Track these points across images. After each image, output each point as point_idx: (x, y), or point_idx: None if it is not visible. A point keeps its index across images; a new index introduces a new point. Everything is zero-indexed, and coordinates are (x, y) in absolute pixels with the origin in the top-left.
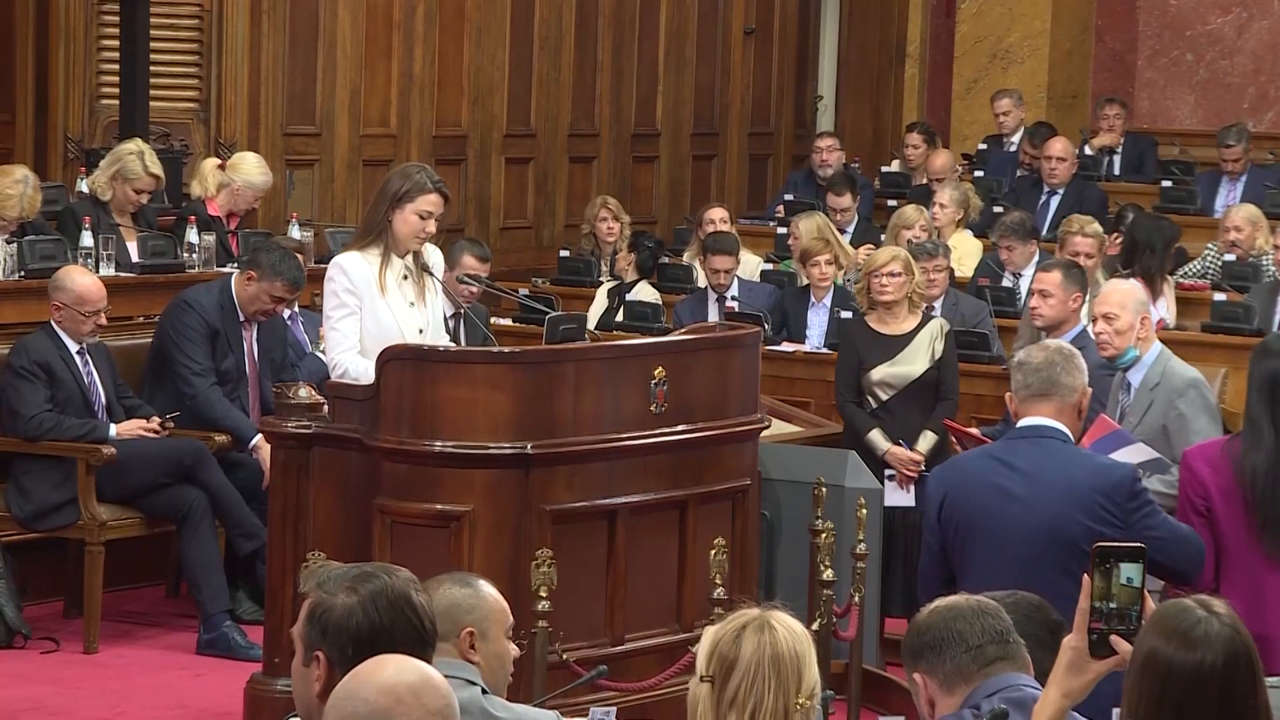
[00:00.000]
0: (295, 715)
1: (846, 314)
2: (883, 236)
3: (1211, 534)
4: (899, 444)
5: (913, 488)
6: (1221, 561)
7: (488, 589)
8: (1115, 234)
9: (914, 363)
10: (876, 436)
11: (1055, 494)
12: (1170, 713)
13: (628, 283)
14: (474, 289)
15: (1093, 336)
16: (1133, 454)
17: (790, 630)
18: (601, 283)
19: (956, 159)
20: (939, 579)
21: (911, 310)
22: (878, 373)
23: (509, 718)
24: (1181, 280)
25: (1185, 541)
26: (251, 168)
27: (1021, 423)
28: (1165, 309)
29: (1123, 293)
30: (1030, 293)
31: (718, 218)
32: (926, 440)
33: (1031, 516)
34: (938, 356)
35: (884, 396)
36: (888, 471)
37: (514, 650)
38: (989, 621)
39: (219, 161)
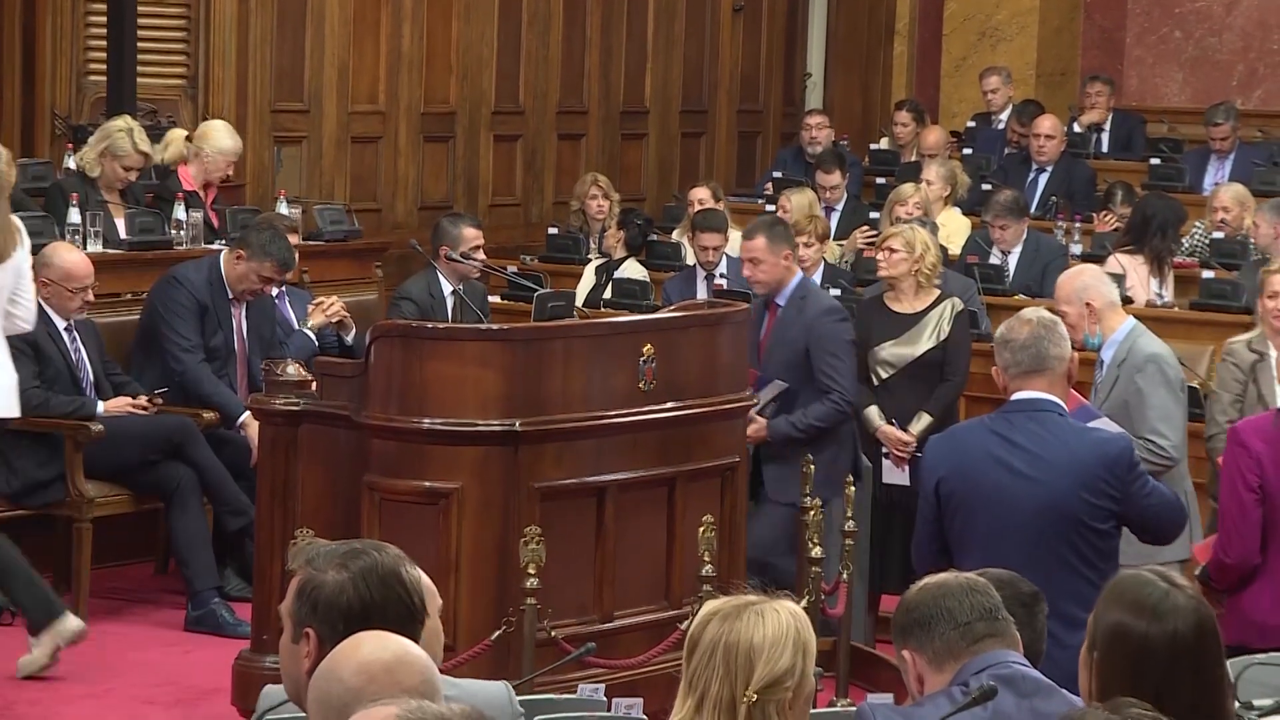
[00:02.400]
0: (272, 686)
1: (835, 291)
2: (872, 214)
3: (1263, 510)
4: (892, 423)
5: (908, 467)
6: (1271, 537)
7: (418, 569)
8: (1105, 211)
9: (917, 343)
10: (872, 414)
11: (1059, 470)
12: (1148, 688)
13: (616, 260)
14: (477, 268)
15: (815, 283)
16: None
17: (761, 620)
18: (590, 260)
19: (946, 136)
20: (933, 551)
21: (922, 290)
22: (882, 350)
23: (455, 694)
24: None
25: (1174, 508)
26: (220, 134)
27: (1016, 396)
28: (1167, 289)
29: (1064, 288)
30: (743, 260)
31: (699, 198)
32: (921, 422)
33: (1036, 493)
34: (944, 337)
35: (885, 375)
36: (885, 449)
37: (438, 629)
38: (978, 599)
39: (186, 132)
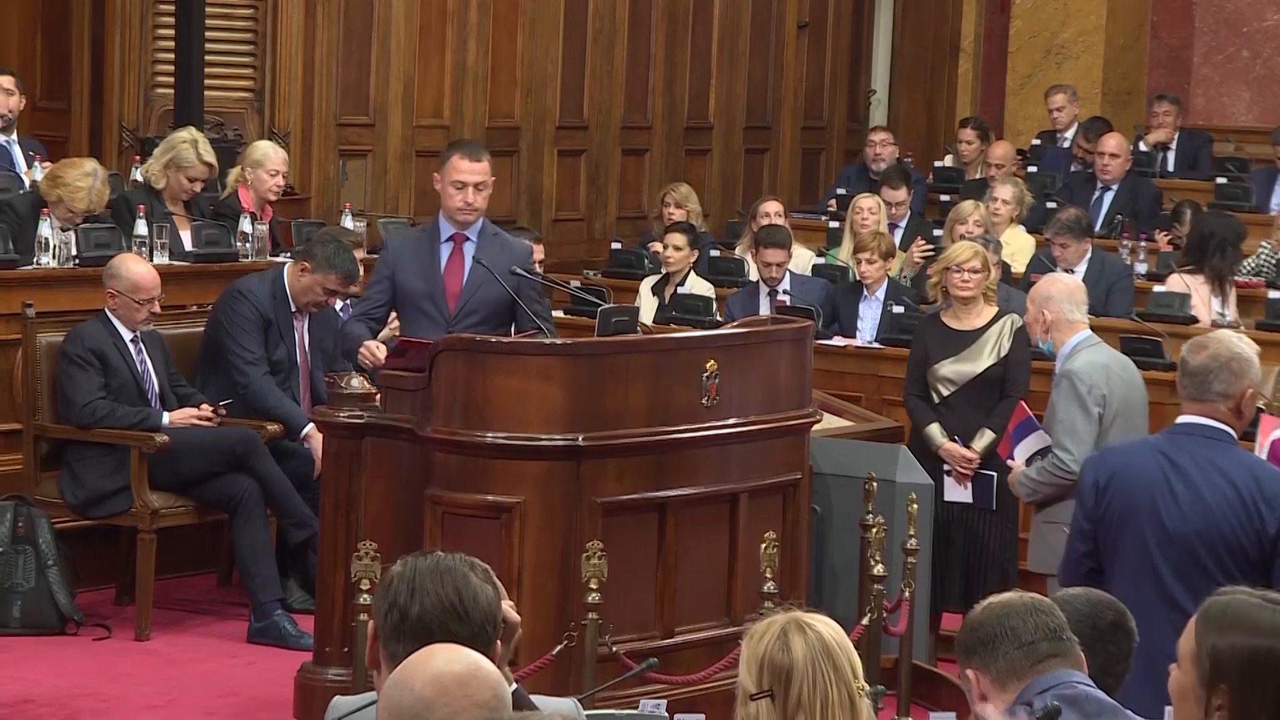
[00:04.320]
0: (341, 697)
1: (899, 308)
2: (936, 232)
3: None
4: (954, 440)
5: (970, 484)
6: None
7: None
8: (1166, 232)
9: (978, 359)
10: (934, 431)
11: (1216, 496)
12: None
13: (667, 274)
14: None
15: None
16: (1035, 441)
17: (825, 622)
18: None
19: (1014, 150)
20: (1085, 567)
21: (986, 305)
22: (943, 368)
23: None
24: (1236, 278)
25: None
26: (255, 149)
27: (1183, 419)
28: (1229, 308)
29: (1034, 290)
30: (462, 185)
31: (773, 210)
32: (983, 439)
33: (1191, 516)
34: (1004, 353)
35: (945, 392)
36: (946, 466)
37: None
38: (1042, 619)
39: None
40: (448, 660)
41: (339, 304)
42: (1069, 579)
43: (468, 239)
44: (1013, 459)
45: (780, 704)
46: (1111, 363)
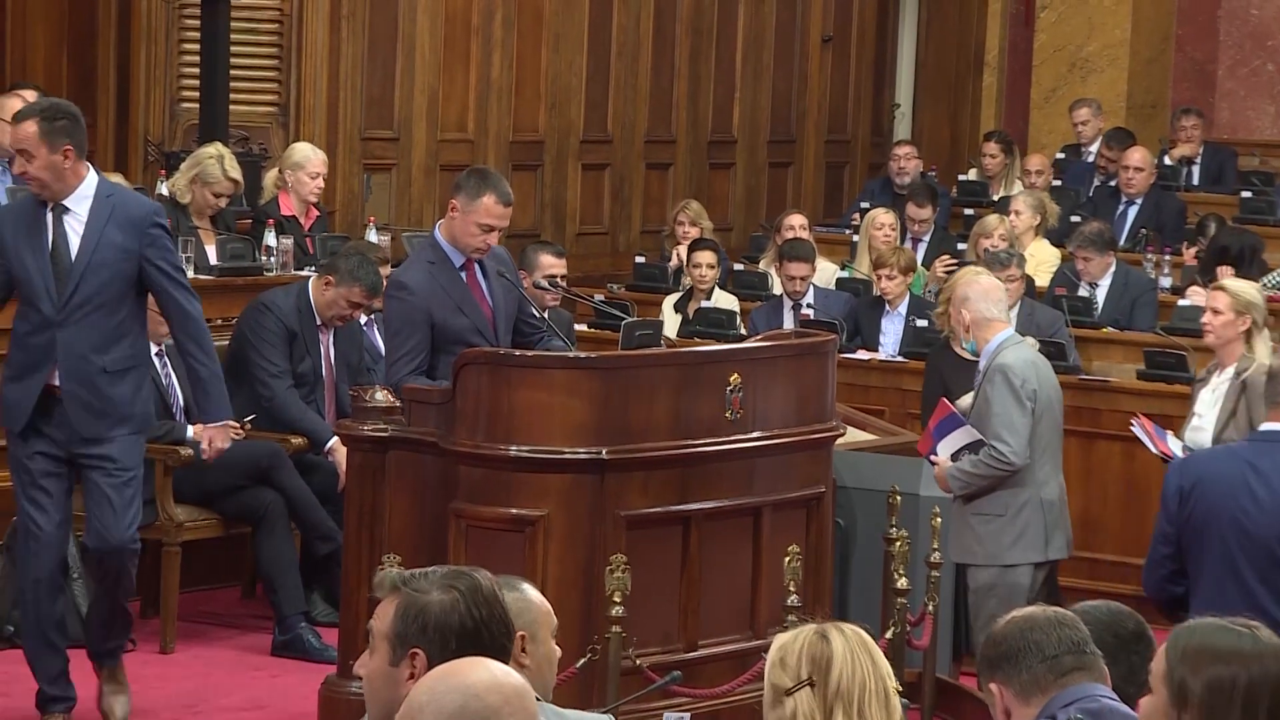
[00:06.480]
0: None
1: (922, 322)
2: (960, 246)
3: None
4: None
5: None
6: None
7: (533, 591)
8: (1191, 246)
9: None
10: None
11: None
12: None
13: (689, 291)
14: (555, 294)
15: None
16: (961, 436)
17: (857, 629)
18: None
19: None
20: (1166, 569)
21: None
22: (966, 400)
23: None
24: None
25: None
26: (295, 151)
27: (1264, 426)
28: None
29: (954, 290)
30: (490, 229)
31: (797, 224)
32: None
33: (1269, 517)
34: None
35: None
36: None
37: (557, 651)
38: (1065, 632)
39: (275, 171)
40: (501, 671)
41: (363, 318)
42: (1151, 580)
43: (474, 260)
44: (935, 455)
45: (820, 692)
46: (1038, 360)
